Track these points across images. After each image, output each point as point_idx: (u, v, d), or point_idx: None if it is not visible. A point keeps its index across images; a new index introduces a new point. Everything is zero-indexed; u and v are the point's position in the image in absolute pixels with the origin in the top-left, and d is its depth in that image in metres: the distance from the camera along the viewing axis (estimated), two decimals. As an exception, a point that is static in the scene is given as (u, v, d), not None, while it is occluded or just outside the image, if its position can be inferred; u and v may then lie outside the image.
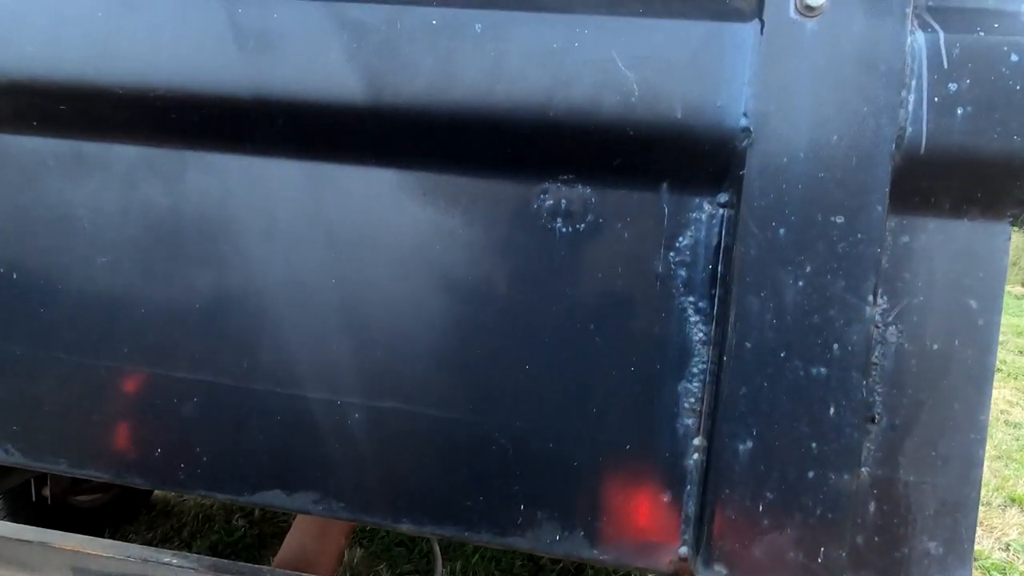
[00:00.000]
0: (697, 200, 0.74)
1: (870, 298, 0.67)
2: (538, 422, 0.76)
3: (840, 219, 0.67)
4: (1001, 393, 5.01)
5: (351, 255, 0.80)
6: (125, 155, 0.83)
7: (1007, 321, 7.85)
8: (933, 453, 0.70)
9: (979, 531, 3.76)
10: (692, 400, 0.74)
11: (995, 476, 4.24)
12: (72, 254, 0.84)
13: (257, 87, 0.77)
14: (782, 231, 0.68)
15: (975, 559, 3.54)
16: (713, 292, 0.74)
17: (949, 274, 0.70)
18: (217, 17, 0.77)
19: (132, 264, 0.83)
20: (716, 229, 0.74)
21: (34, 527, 0.93)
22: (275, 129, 0.78)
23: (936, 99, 0.66)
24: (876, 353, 0.71)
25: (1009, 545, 3.70)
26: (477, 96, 0.73)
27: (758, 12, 0.69)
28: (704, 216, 0.74)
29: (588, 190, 0.76)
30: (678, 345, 0.74)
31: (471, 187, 0.78)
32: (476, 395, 0.77)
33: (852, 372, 0.66)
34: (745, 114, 0.69)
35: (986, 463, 4.47)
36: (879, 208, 0.67)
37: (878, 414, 0.71)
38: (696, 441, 0.74)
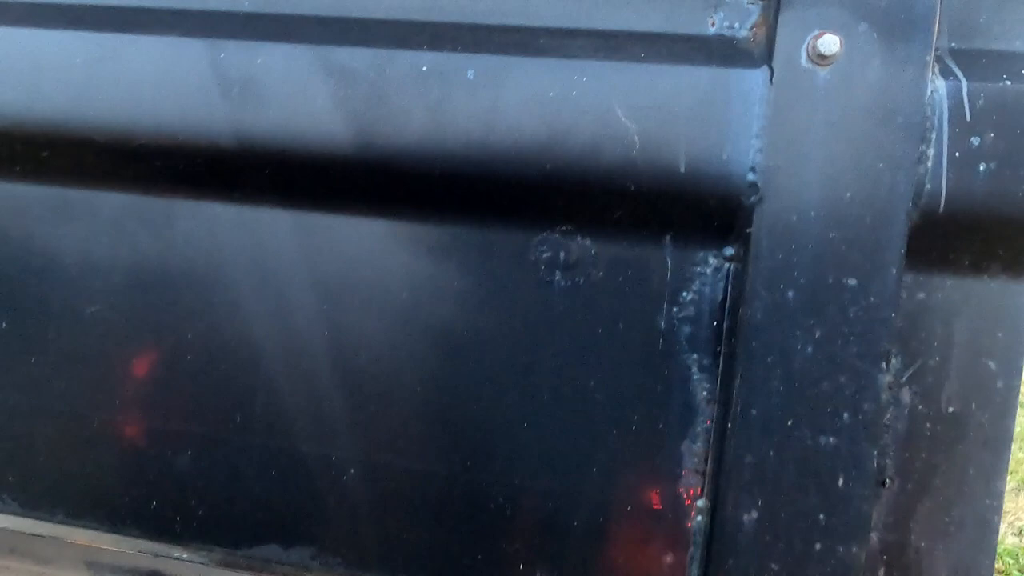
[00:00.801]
0: (702, 253, 0.71)
1: (883, 365, 0.64)
2: (537, 480, 0.74)
3: (852, 281, 0.64)
4: (1018, 374, 4.96)
5: (344, 306, 0.77)
6: (112, 203, 0.81)
7: None
8: (946, 519, 0.68)
9: (992, 515, 3.74)
10: (696, 460, 0.72)
11: (1010, 459, 4.21)
12: (61, 303, 0.82)
13: (242, 135, 0.74)
14: (791, 293, 0.65)
15: (988, 545, 3.53)
16: (718, 349, 0.71)
17: (967, 333, 0.67)
18: (200, 64, 0.74)
19: (121, 314, 0.81)
20: (722, 284, 0.71)
21: (48, 522, 0.93)
22: (262, 178, 0.76)
23: (957, 154, 0.62)
24: (889, 414, 0.68)
25: (1022, 530, 3.68)
26: (470, 146, 0.70)
27: (767, 59, 0.65)
28: (709, 270, 0.71)
29: (588, 242, 0.73)
30: (681, 403, 0.72)
31: (466, 237, 0.75)
32: (473, 451, 0.75)
33: (863, 442, 0.64)
34: (752, 169, 0.65)
35: (1001, 446, 4.44)
36: (894, 270, 0.63)
37: (890, 478, 0.68)
38: (700, 503, 0.71)
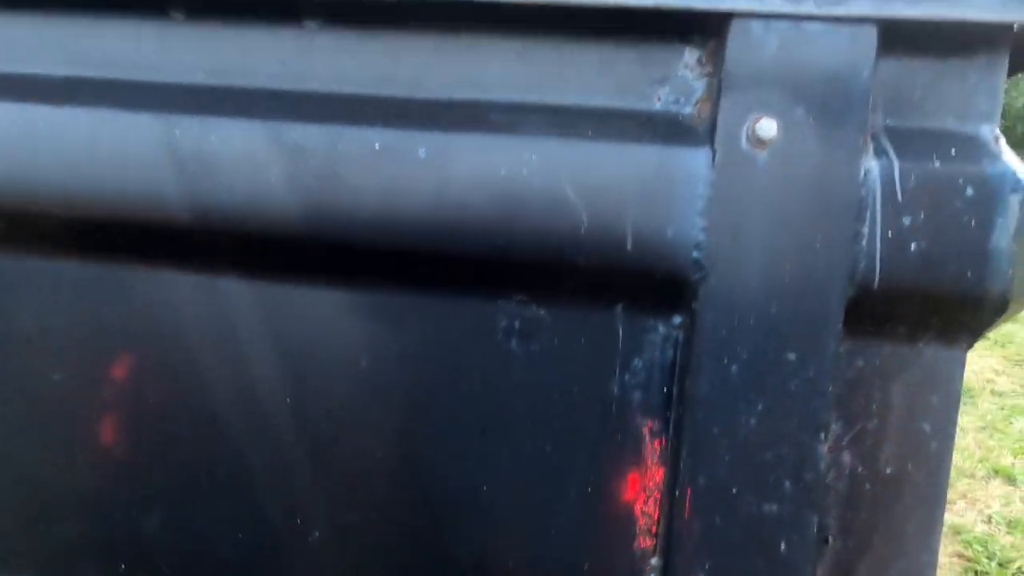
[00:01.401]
0: (652, 322, 0.73)
1: (822, 435, 0.67)
2: (494, 542, 0.77)
3: (792, 356, 0.66)
4: (987, 362, 5.07)
5: (303, 374, 0.79)
6: (70, 272, 0.81)
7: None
8: (885, 574, 0.71)
9: (962, 504, 3.84)
10: (648, 520, 0.74)
11: (979, 447, 4.31)
12: (18, 370, 0.83)
13: (197, 210, 0.74)
14: (734, 367, 0.67)
15: (957, 533, 3.63)
16: (668, 414, 0.73)
17: (904, 398, 0.70)
18: (155, 139, 0.74)
19: (81, 381, 0.82)
20: (671, 351, 0.73)
21: None
22: (218, 249, 0.77)
23: (890, 233, 0.65)
24: (830, 476, 0.71)
25: (991, 517, 3.78)
26: (422, 223, 0.71)
27: (710, 139, 0.67)
28: (659, 338, 0.73)
29: (543, 311, 0.75)
30: (635, 466, 0.74)
31: (423, 307, 0.76)
32: (431, 514, 0.77)
33: (804, 508, 0.67)
34: (697, 246, 0.67)
35: (970, 434, 4.55)
36: (832, 345, 0.66)
37: (832, 536, 0.72)
38: (654, 561, 0.74)
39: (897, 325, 0.68)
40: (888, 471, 0.70)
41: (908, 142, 0.67)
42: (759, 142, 0.65)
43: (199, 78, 0.78)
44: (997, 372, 4.95)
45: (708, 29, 0.68)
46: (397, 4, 0.70)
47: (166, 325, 0.80)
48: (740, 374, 0.67)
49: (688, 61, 0.70)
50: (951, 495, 3.93)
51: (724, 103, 0.66)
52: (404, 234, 0.72)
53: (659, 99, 0.71)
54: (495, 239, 0.70)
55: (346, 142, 0.72)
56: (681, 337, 0.72)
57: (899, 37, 0.65)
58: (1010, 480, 4.02)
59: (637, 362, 0.74)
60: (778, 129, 0.65)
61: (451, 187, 0.70)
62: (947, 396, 0.69)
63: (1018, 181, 0.64)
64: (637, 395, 0.74)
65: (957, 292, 0.65)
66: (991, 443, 4.42)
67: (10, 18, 0.81)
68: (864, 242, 0.65)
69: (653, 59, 0.71)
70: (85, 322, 0.81)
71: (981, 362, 5.05)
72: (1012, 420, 4.56)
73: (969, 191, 0.64)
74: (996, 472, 4.10)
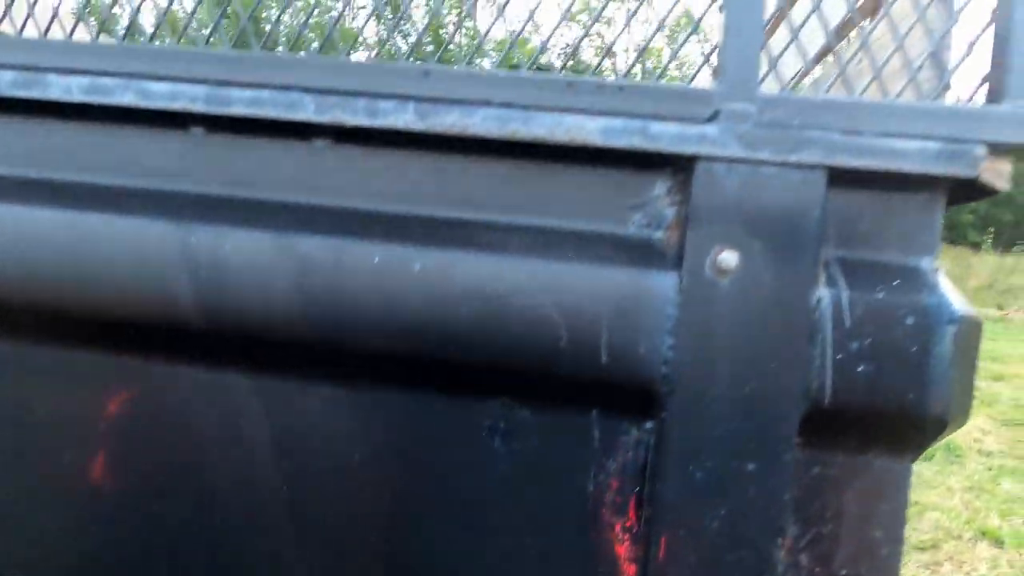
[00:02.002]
0: (625, 425, 0.79)
1: (780, 540, 0.72)
2: (478, 629, 0.81)
3: (752, 466, 0.72)
4: (975, 422, 5.10)
5: (300, 465, 0.84)
6: (87, 364, 0.87)
7: (982, 346, 7.93)
8: (841, 672, 0.76)
9: (949, 566, 3.83)
10: (621, 612, 0.79)
11: (966, 508, 4.32)
12: (29, 454, 0.88)
13: (209, 314, 0.81)
14: (699, 475, 0.73)
15: (944, 597, 3.61)
16: (640, 513, 0.78)
17: (856, 505, 0.76)
18: (171, 246, 0.81)
19: (95, 465, 0.87)
20: (643, 453, 0.79)
21: None
22: (229, 351, 0.83)
23: (839, 356, 0.71)
24: (789, 576, 0.76)
25: (974, 582, 3.76)
26: (415, 331, 0.78)
27: (678, 266, 0.74)
28: (632, 440, 0.79)
29: (525, 413, 0.81)
30: (608, 561, 0.79)
31: (415, 406, 0.82)
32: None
33: (762, 609, 0.72)
34: (665, 363, 0.74)
35: (957, 494, 4.56)
36: (787, 457, 0.72)
37: (791, 633, 0.76)
38: (625, 652, 0.79)
39: (848, 438, 0.75)
40: (842, 573, 0.76)
41: (857, 272, 0.74)
42: (721, 271, 0.72)
43: (214, 188, 0.85)
44: (984, 432, 4.98)
45: (677, 166, 0.76)
46: (397, 131, 0.78)
47: (175, 417, 0.85)
48: (704, 481, 0.73)
49: (659, 191, 0.78)
50: (937, 557, 3.93)
51: (690, 235, 0.73)
52: (399, 340, 0.78)
53: (633, 223, 0.79)
54: (482, 348, 0.77)
55: (349, 255, 0.79)
56: (652, 440, 0.78)
57: (847, 179, 0.73)
58: (997, 543, 4.02)
59: (611, 463, 0.79)
60: (739, 260, 0.72)
61: (443, 300, 0.77)
62: (896, 504, 0.75)
63: (953, 312, 0.71)
64: (611, 494, 0.79)
65: (900, 412, 0.71)
66: (978, 504, 4.43)
67: (37, 125, 0.89)
68: (816, 364, 0.72)
69: (628, 188, 0.78)
70: (97, 412, 0.87)
71: (969, 422, 5.09)
72: (999, 481, 4.57)
73: (910, 320, 0.71)
74: (983, 534, 4.10)
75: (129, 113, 0.83)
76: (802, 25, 0.77)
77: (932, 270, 0.74)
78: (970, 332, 0.72)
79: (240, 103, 0.79)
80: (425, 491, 0.82)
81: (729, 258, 0.72)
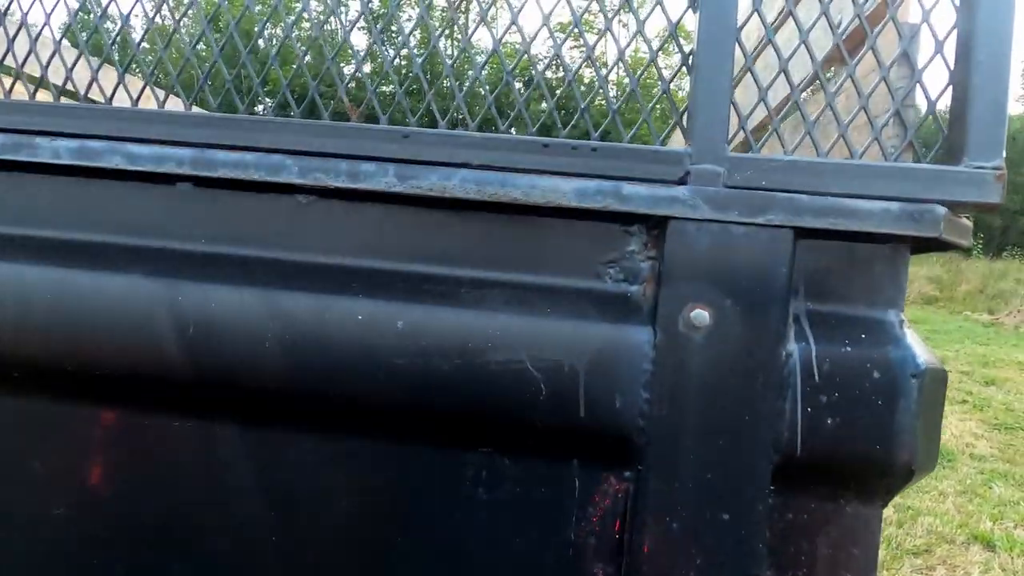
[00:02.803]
0: (605, 474, 0.81)
1: (754, 588, 0.74)
2: (464, 674, 0.83)
3: (726, 516, 0.75)
4: (967, 425, 5.14)
5: (287, 514, 0.86)
6: (77, 417, 0.89)
7: (973, 351, 7.98)
8: None
9: (942, 570, 3.86)
10: (603, 656, 0.81)
11: (959, 512, 4.35)
12: (23, 508, 0.90)
13: (197, 368, 0.83)
14: (675, 524, 0.75)
15: (937, 602, 3.64)
16: (620, 559, 0.81)
17: (829, 549, 0.78)
18: (159, 304, 0.83)
19: (86, 519, 0.89)
20: (622, 502, 0.81)
21: None
22: (215, 403, 0.85)
23: (809, 409, 0.74)
24: (766, 619, 0.78)
25: (968, 586, 3.79)
26: (397, 385, 0.80)
27: (652, 321, 0.77)
28: (611, 489, 0.81)
29: (507, 462, 0.83)
30: (589, 607, 0.81)
31: (397, 455, 0.84)
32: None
33: (738, 656, 0.74)
34: (641, 415, 0.76)
35: (949, 498, 4.60)
36: (760, 507, 0.74)
37: (768, 675, 0.79)
38: None
39: (819, 486, 0.77)
40: (817, 616, 0.78)
41: (825, 326, 0.76)
42: (694, 328, 0.75)
43: (201, 244, 0.87)
44: (976, 436, 5.02)
45: (651, 222, 0.78)
46: (376, 191, 0.80)
47: (161, 467, 0.87)
48: (680, 531, 0.75)
49: (634, 246, 0.80)
50: (930, 561, 3.96)
51: (663, 292, 0.76)
52: (381, 394, 0.80)
53: (609, 277, 0.81)
54: (462, 402, 0.79)
55: (333, 312, 0.81)
56: (631, 488, 0.80)
57: (814, 236, 0.75)
58: (989, 546, 4.05)
59: (591, 510, 0.82)
60: (710, 317, 0.74)
61: (424, 355, 0.79)
62: (867, 548, 0.77)
63: (918, 366, 0.73)
64: (591, 540, 0.81)
65: (869, 462, 0.74)
66: (970, 508, 4.46)
67: (24, 182, 0.90)
68: (787, 417, 0.74)
69: (604, 243, 0.81)
70: (86, 463, 0.89)
71: (960, 425, 5.12)
72: (991, 485, 4.61)
73: (876, 374, 0.73)
74: (975, 538, 4.13)
75: (117, 171, 0.85)
76: (768, 86, 0.79)
77: (898, 323, 0.76)
78: (935, 383, 0.74)
79: (225, 166, 0.81)
80: (409, 538, 0.84)
81: (701, 316, 0.74)
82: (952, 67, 0.77)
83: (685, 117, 0.79)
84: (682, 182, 0.76)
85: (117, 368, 0.85)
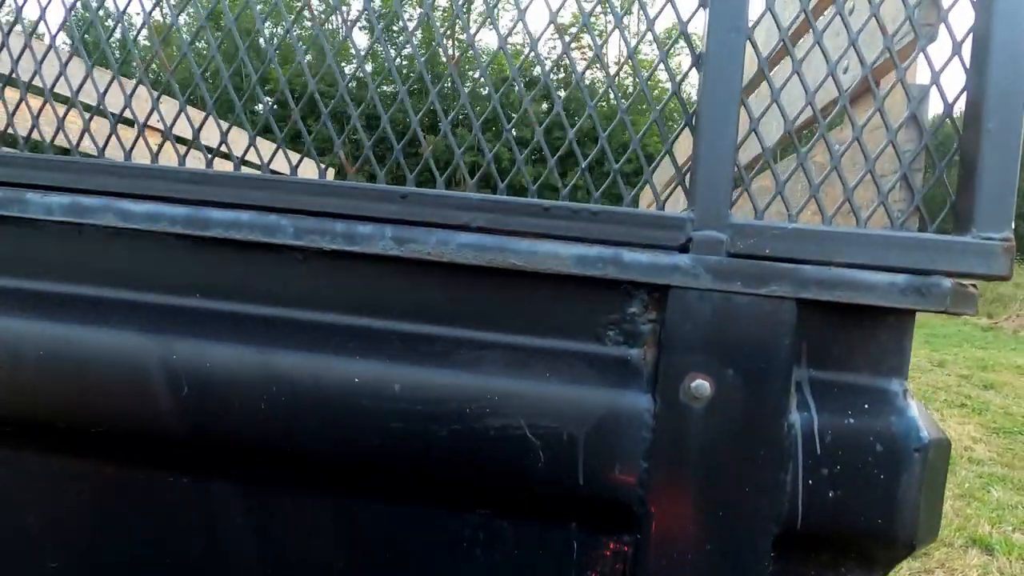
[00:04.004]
0: (603, 539, 0.80)
1: (753, 658, 0.74)
2: None
3: (725, 588, 0.74)
4: (965, 429, 5.14)
5: (284, 573, 0.85)
6: (73, 472, 0.88)
7: (972, 355, 7.95)
8: None
9: (940, 573, 3.87)
10: None
11: (957, 516, 4.36)
12: (16, 562, 0.89)
13: (191, 427, 0.82)
14: (674, 595, 0.75)
15: (935, 606, 3.66)
16: (618, 624, 0.80)
17: (829, 617, 0.77)
18: (151, 361, 0.82)
19: (81, 572, 0.88)
20: (621, 564, 0.80)
21: None
22: (210, 462, 0.84)
23: (810, 482, 0.73)
24: None
25: (968, 588, 3.80)
26: (396, 451, 0.79)
27: (652, 388, 0.75)
28: (610, 553, 0.80)
29: (505, 523, 0.82)
30: (587, 670, 0.81)
31: (395, 517, 0.83)
32: None
33: None
34: (641, 484, 0.75)
35: (947, 502, 4.60)
36: (761, 579, 0.74)
37: None
38: None
39: (821, 554, 0.76)
40: None
41: (827, 395, 0.75)
42: (695, 398, 0.74)
43: (195, 299, 0.86)
44: (975, 440, 5.02)
45: (652, 287, 0.77)
46: (374, 254, 0.79)
47: (156, 523, 0.86)
48: (679, 602, 0.74)
49: (636, 308, 0.79)
50: (928, 564, 3.97)
51: (664, 361, 0.74)
52: (378, 457, 0.79)
53: (609, 339, 0.80)
54: (460, 466, 0.78)
55: (330, 374, 0.80)
56: (630, 554, 0.80)
57: (819, 306, 0.74)
58: (988, 550, 4.06)
59: (589, 574, 0.81)
60: (711, 388, 0.73)
61: (421, 420, 0.78)
62: (868, 618, 0.77)
63: (921, 439, 0.72)
64: (590, 605, 0.81)
65: (870, 535, 0.73)
66: (969, 511, 4.46)
67: (19, 231, 0.89)
68: (788, 489, 0.73)
69: (604, 304, 0.79)
70: (83, 519, 0.88)
71: (959, 429, 5.12)
72: (990, 488, 4.62)
73: (879, 447, 0.72)
74: (974, 541, 4.13)
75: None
76: (774, 147, 0.78)
77: (901, 392, 0.75)
78: (938, 456, 0.73)
79: (219, 226, 0.79)
80: (408, 599, 0.84)
81: (702, 387, 0.73)
82: (961, 132, 0.76)
83: (687, 177, 0.78)
84: (684, 249, 0.75)
85: (109, 426, 0.84)
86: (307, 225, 0.78)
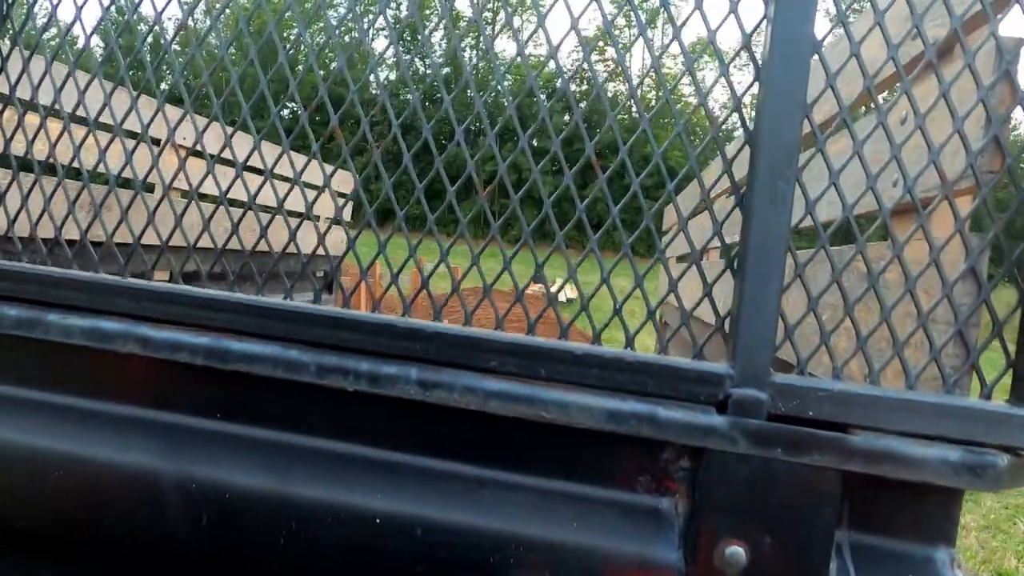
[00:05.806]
0: None
1: None
2: None
3: None
4: (992, 456, 5.03)
5: None
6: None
7: (1001, 382, 7.75)
8: None
9: (964, 610, 3.79)
10: None
11: (983, 548, 4.27)
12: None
13: (208, 553, 0.80)
14: None
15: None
16: None
17: None
18: (170, 487, 0.80)
19: None
20: None
21: None
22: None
23: (849, 660, 0.69)
24: None
25: (992, 625, 3.72)
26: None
27: (683, 544, 0.72)
28: None
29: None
30: None
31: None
32: None
33: None
34: None
35: (973, 533, 4.51)
36: None
37: None
38: None
39: None
40: None
41: (869, 561, 0.71)
42: (729, 565, 0.70)
43: (215, 419, 0.84)
44: (1002, 466, 4.92)
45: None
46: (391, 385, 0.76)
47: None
48: None
49: (669, 455, 0.76)
50: (952, 599, 3.89)
51: (697, 522, 0.71)
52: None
53: (641, 487, 0.77)
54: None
55: (350, 513, 0.77)
56: None
57: (863, 473, 0.70)
58: (1013, 584, 3.99)
59: None
60: (746, 555, 0.70)
61: (444, 567, 0.75)
62: None
63: (969, 619, 0.68)
64: None
65: None
66: (994, 544, 4.37)
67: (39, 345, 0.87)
68: (825, 663, 0.70)
69: (637, 452, 0.76)
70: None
71: (986, 455, 5.02)
72: (1016, 520, 4.52)
73: (923, 626, 0.68)
74: (1000, 575, 4.06)
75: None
76: (819, 296, 0.74)
77: (948, 561, 0.71)
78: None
79: (240, 360, 0.77)
80: None
81: (736, 555, 0.70)
82: (1021, 287, 0.71)
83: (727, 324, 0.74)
84: (722, 406, 0.71)
85: (128, 543, 0.83)
86: (330, 363, 0.76)
